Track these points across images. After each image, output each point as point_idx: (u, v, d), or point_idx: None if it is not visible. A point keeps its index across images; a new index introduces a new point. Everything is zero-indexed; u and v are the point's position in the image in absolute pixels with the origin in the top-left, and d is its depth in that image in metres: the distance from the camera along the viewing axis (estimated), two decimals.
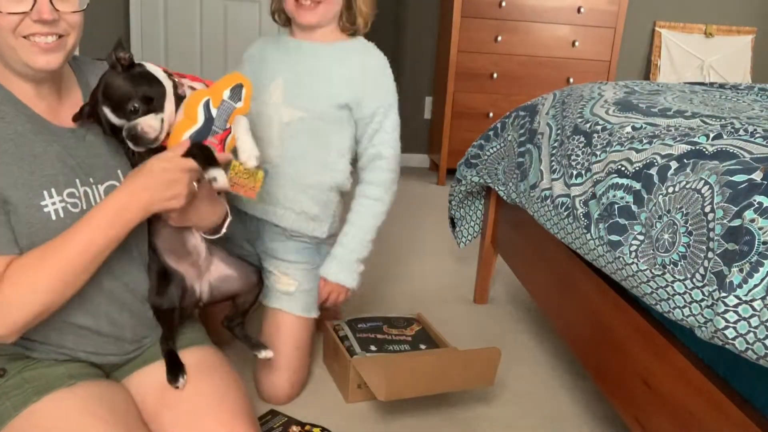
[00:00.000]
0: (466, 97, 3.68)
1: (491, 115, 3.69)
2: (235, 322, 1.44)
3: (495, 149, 2.03)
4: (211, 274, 1.35)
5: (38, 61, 1.05)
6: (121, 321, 1.19)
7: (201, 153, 1.13)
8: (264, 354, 1.44)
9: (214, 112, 1.17)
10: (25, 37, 1.03)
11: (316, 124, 1.52)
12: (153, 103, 1.11)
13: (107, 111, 1.10)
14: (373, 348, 1.66)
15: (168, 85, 1.15)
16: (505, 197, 1.92)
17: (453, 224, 2.33)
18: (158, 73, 1.16)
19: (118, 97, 1.10)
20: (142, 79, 1.12)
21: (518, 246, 2.02)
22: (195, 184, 1.13)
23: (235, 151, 1.22)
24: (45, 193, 1.07)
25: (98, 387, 1.13)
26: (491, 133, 2.07)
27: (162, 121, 1.13)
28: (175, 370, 1.20)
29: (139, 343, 1.24)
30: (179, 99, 1.17)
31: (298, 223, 1.58)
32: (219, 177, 1.14)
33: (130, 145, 1.13)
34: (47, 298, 1.03)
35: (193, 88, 1.20)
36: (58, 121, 1.13)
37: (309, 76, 1.51)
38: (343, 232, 1.58)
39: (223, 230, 1.32)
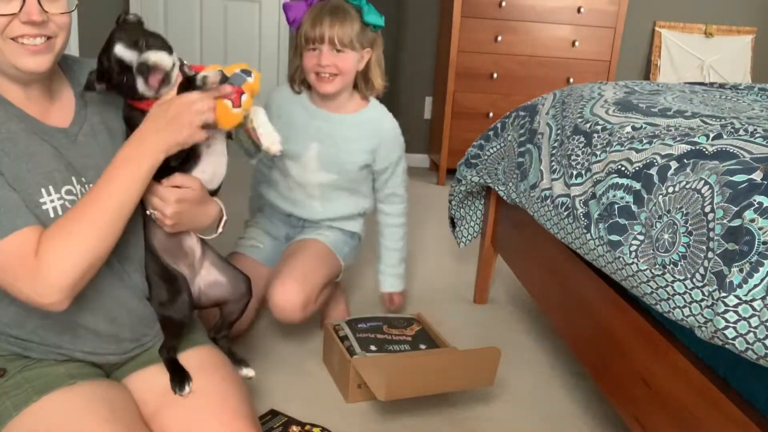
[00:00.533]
0: (466, 97, 3.68)
1: (491, 115, 3.69)
2: (221, 333, 1.42)
3: (495, 149, 2.03)
4: (201, 278, 1.33)
5: (27, 64, 1.05)
6: (120, 319, 1.18)
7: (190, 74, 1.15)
8: (245, 372, 1.39)
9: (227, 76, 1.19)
10: (13, 39, 1.03)
11: (347, 182, 1.90)
12: (164, 47, 1.13)
13: (119, 47, 1.10)
14: (373, 348, 1.66)
15: (174, 56, 1.17)
16: (505, 197, 1.92)
17: (453, 224, 2.33)
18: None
19: (131, 33, 1.11)
20: (151, 31, 1.15)
21: (518, 246, 2.02)
22: (209, 114, 1.12)
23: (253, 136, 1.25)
24: (43, 190, 1.07)
25: (98, 386, 1.13)
26: (491, 133, 2.07)
27: (174, 64, 1.13)
28: (180, 378, 1.19)
29: (139, 341, 1.23)
30: (184, 77, 1.18)
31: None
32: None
33: (140, 85, 1.12)
34: (86, 254, 1.02)
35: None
36: (49, 122, 1.13)
37: (338, 145, 1.84)
38: (385, 255, 2.00)
39: (220, 230, 1.33)
